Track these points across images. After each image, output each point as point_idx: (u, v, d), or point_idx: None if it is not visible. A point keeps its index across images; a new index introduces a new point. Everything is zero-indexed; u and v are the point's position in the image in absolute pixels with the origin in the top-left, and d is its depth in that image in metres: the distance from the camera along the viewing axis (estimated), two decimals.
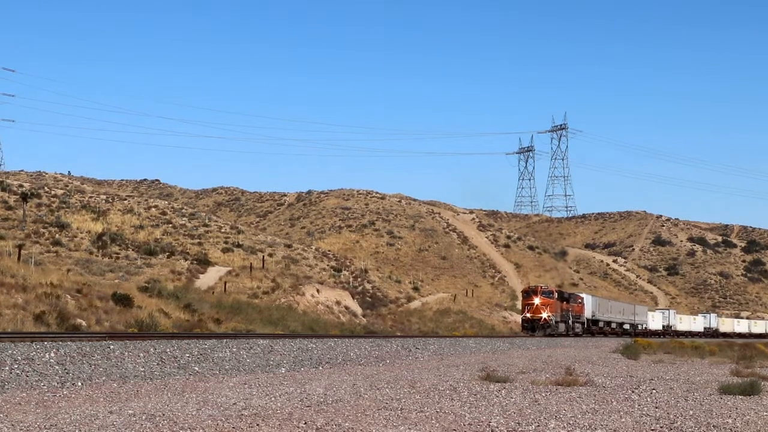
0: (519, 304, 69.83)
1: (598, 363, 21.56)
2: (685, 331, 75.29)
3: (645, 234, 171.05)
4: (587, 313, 58.07)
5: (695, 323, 79.97)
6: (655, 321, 73.29)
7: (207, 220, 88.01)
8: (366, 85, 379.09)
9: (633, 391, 12.91)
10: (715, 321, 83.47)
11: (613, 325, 64.57)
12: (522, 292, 53.77)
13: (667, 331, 72.58)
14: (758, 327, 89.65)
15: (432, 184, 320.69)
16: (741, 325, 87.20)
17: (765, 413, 10.44)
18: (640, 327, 69.37)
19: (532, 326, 48.30)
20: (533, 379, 14.93)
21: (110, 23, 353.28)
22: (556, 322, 49.04)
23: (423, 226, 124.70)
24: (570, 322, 52.74)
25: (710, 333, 78.87)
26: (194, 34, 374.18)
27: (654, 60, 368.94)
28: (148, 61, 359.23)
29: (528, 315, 48.99)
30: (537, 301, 48.48)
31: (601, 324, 62.06)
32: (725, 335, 78.54)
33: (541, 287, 51.37)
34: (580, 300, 57.29)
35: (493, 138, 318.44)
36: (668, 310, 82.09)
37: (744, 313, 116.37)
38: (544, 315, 47.79)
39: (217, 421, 8.65)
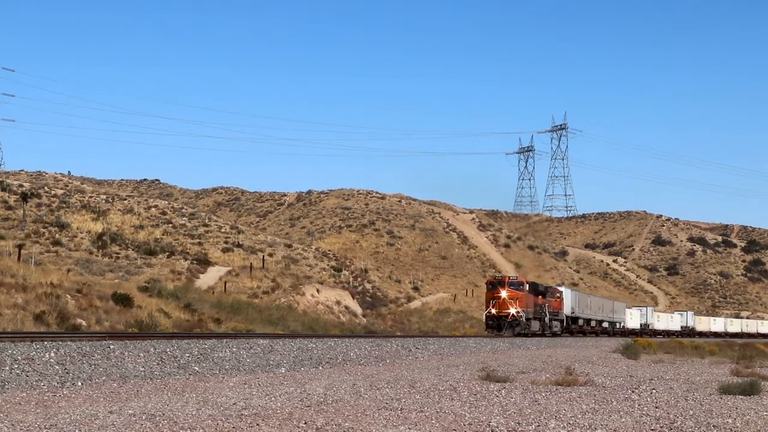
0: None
1: (598, 363, 21.56)
2: (663, 330, 72.91)
3: (645, 234, 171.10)
4: (566, 309, 52.20)
5: (672, 321, 77.85)
6: (633, 319, 70.11)
7: (207, 220, 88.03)
8: (366, 85, 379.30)
9: (633, 391, 12.91)
10: (691, 319, 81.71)
11: (593, 323, 59.69)
12: (486, 283, 45.48)
13: (645, 330, 69.87)
14: (734, 326, 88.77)
15: (432, 184, 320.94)
16: (717, 324, 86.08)
17: (765, 413, 10.44)
18: (618, 325, 65.74)
19: (497, 324, 41.65)
20: (533, 378, 14.93)
21: (110, 23, 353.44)
22: (528, 319, 42.45)
23: (423, 226, 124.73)
24: (546, 319, 46.45)
25: (687, 332, 77.12)
26: (194, 34, 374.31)
27: (654, 60, 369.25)
28: (148, 61, 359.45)
29: (493, 311, 42.02)
30: (504, 294, 41.56)
31: (581, 322, 56.41)
32: (701, 334, 77.40)
33: (509, 277, 44.22)
34: (558, 294, 51.10)
35: (493, 138, 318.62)
36: (646, 307, 78.82)
37: (744, 313, 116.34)
38: (513, 310, 41.02)
39: (217, 421, 8.65)
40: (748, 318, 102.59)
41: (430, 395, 11.57)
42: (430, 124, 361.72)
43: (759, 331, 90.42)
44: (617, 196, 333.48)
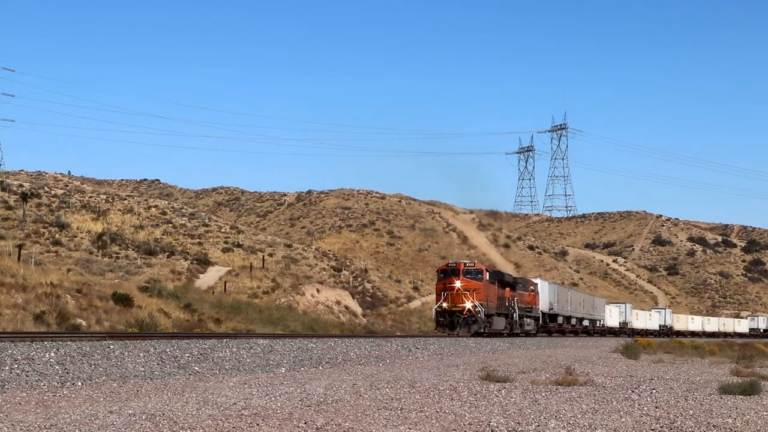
0: None
1: (598, 363, 21.56)
2: (641, 329, 70.43)
3: (645, 234, 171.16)
4: (543, 305, 46.40)
5: (651, 320, 76.05)
6: (612, 317, 66.32)
7: (207, 220, 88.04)
8: (366, 84, 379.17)
9: (633, 391, 12.91)
10: (670, 318, 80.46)
11: (573, 321, 54.32)
12: (437, 272, 38.20)
13: (624, 329, 67.54)
14: (711, 325, 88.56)
15: (432, 184, 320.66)
16: (695, 323, 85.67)
17: (765, 413, 10.44)
18: (598, 323, 61.75)
19: (450, 321, 35.13)
20: (533, 378, 14.93)
21: (110, 23, 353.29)
22: (489, 315, 36.01)
23: (423, 226, 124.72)
24: (515, 316, 40.29)
25: (665, 331, 75.85)
26: (194, 34, 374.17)
27: (654, 60, 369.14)
28: (148, 61, 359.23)
29: (444, 305, 35.32)
30: (458, 284, 35.00)
31: (560, 319, 50.61)
32: (679, 333, 76.62)
33: (464, 264, 36.54)
34: (532, 287, 44.86)
35: (493, 138, 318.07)
36: (625, 304, 75.16)
37: (744, 313, 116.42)
38: (468, 305, 34.49)
39: (217, 420, 8.64)
40: (746, 318, 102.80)
41: (430, 395, 11.57)
42: (430, 124, 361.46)
43: (736, 331, 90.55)
44: (617, 196, 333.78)
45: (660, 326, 77.44)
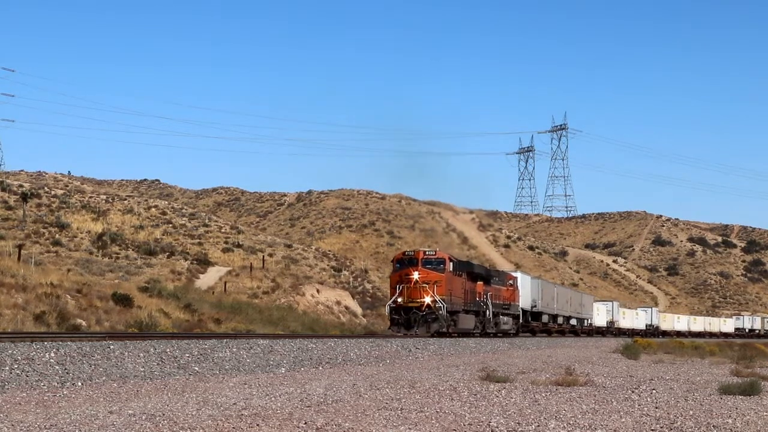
0: None
1: (598, 363, 21.56)
2: (628, 329, 69.35)
3: (645, 234, 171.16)
4: (524, 302, 42.55)
5: (637, 319, 75.22)
6: (599, 315, 64.37)
7: (207, 220, 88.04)
8: (366, 85, 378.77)
9: (633, 391, 12.91)
10: (656, 318, 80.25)
11: (560, 320, 50.87)
12: (392, 261, 32.91)
13: (610, 328, 66.35)
14: (697, 324, 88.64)
15: (431, 183, 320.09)
16: (681, 323, 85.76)
17: (765, 413, 10.44)
18: (586, 322, 59.72)
19: (406, 319, 30.22)
20: (533, 379, 14.93)
21: (110, 23, 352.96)
22: (454, 312, 31.32)
23: (423, 227, 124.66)
24: (488, 313, 35.82)
25: (651, 330, 75.55)
26: (194, 34, 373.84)
27: (654, 60, 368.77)
28: (148, 61, 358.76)
29: (399, 300, 30.38)
30: (416, 275, 30.01)
31: (545, 318, 46.99)
32: (665, 333, 76.54)
33: (424, 252, 31.48)
34: (510, 281, 40.55)
35: (493, 138, 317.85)
36: (612, 302, 73.33)
37: (744, 313, 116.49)
38: (428, 299, 29.74)
39: (217, 421, 8.64)
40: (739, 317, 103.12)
41: (430, 395, 11.57)
42: (429, 123, 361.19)
43: (721, 330, 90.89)
44: (617, 196, 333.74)
45: (647, 325, 77.19)
